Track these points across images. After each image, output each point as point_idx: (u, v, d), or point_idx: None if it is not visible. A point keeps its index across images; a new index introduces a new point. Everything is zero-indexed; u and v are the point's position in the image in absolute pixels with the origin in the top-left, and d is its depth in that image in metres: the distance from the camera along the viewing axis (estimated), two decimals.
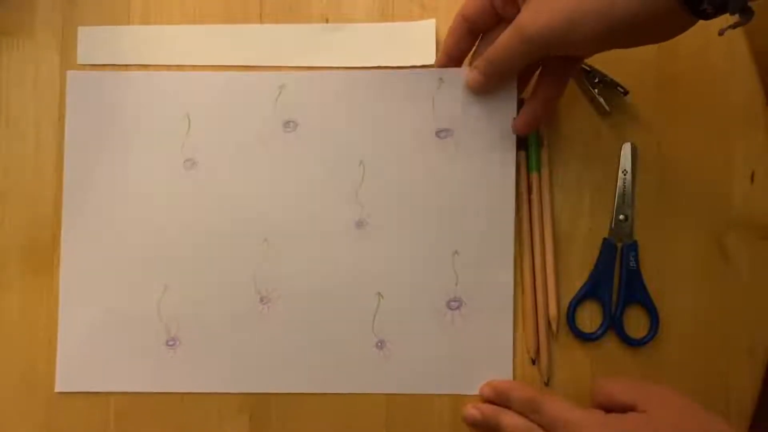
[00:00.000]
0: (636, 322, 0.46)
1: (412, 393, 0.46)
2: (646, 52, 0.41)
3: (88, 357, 0.46)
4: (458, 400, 0.46)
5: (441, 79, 0.46)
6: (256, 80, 0.47)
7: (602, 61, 0.46)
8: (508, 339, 0.46)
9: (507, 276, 0.46)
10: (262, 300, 0.46)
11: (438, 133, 0.46)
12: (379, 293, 0.46)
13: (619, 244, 0.46)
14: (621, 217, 0.47)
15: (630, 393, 0.41)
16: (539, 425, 0.42)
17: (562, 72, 0.43)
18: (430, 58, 0.47)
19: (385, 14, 0.48)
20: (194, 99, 0.47)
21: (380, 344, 0.46)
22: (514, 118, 0.45)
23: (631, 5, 0.35)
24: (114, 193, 0.47)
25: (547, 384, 0.46)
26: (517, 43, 0.40)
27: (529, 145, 0.47)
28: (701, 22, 0.36)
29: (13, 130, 0.48)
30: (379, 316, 0.46)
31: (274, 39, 0.48)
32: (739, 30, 0.35)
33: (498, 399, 0.44)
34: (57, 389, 0.46)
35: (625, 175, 0.47)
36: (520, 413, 0.43)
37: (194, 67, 0.48)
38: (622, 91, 0.46)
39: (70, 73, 0.48)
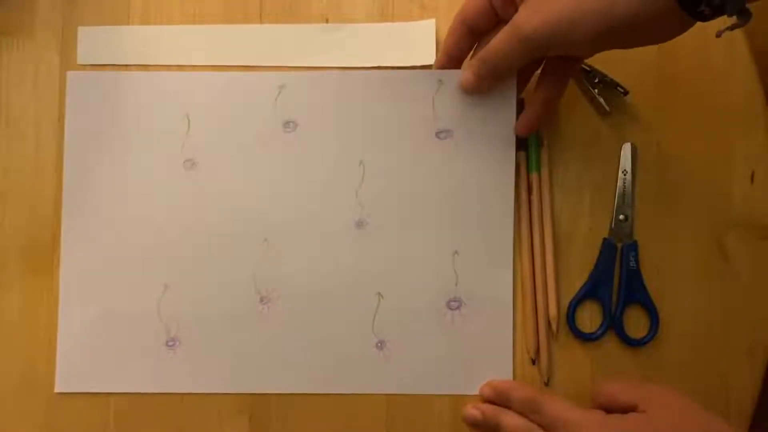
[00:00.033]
0: (636, 322, 0.46)
1: (412, 393, 0.46)
2: (646, 52, 0.41)
3: (87, 357, 0.46)
4: (458, 400, 0.46)
5: (440, 80, 0.46)
6: (256, 80, 0.47)
7: (602, 61, 0.46)
8: (508, 339, 0.46)
9: (507, 276, 0.46)
10: (262, 300, 0.46)
11: (438, 134, 0.46)
12: (379, 293, 0.46)
13: (619, 244, 0.46)
14: (621, 217, 0.47)
15: (630, 393, 0.41)
16: (539, 425, 0.42)
17: (562, 72, 0.43)
18: (430, 58, 0.47)
19: (385, 14, 0.48)
20: (194, 99, 0.47)
21: (380, 344, 0.46)
22: (516, 120, 0.45)
23: (631, 6, 0.35)
24: (114, 193, 0.47)
25: (547, 384, 0.46)
26: (513, 43, 0.40)
27: (529, 145, 0.47)
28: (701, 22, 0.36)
29: (13, 130, 0.48)
30: (379, 316, 0.46)
31: (274, 39, 0.48)
32: (739, 30, 0.35)
33: (498, 399, 0.44)
34: (57, 389, 0.46)
35: (625, 175, 0.47)
36: (521, 413, 0.43)
37: (194, 67, 0.48)
38: (622, 91, 0.46)
39: (70, 74, 0.48)
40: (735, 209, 0.47)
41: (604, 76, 0.47)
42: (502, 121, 0.46)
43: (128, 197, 0.47)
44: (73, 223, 0.47)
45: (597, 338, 0.46)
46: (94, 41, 0.48)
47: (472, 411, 0.45)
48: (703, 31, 0.37)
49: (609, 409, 0.41)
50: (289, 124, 0.47)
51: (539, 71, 0.44)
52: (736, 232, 0.47)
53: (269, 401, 0.46)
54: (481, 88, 0.45)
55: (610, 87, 0.47)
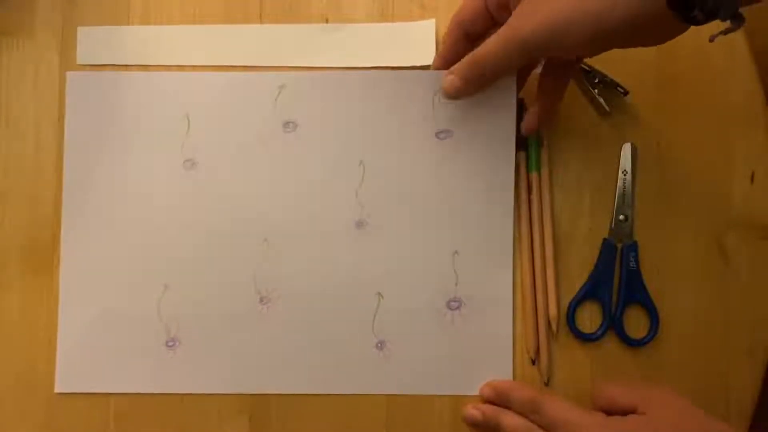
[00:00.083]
0: (636, 323, 0.46)
1: (412, 393, 0.46)
2: (646, 52, 0.41)
3: (87, 357, 0.46)
4: (458, 400, 0.46)
5: (440, 81, 0.46)
6: (255, 80, 0.47)
7: (602, 61, 0.46)
8: (508, 339, 0.46)
9: (507, 276, 0.46)
10: (262, 300, 0.46)
11: (438, 134, 0.46)
12: (379, 293, 0.46)
13: (619, 245, 0.46)
14: (621, 217, 0.47)
15: (630, 395, 0.41)
16: (539, 426, 0.42)
17: (562, 73, 0.43)
18: (430, 58, 0.47)
19: (385, 14, 0.48)
20: (194, 99, 0.47)
21: (380, 345, 0.46)
22: (516, 120, 0.45)
23: (631, 7, 0.35)
24: (114, 193, 0.47)
25: (547, 384, 0.46)
26: (506, 47, 0.39)
27: (529, 145, 0.47)
28: None
29: (13, 130, 0.48)
30: (379, 316, 0.46)
31: (274, 39, 0.48)
32: (739, 30, 0.35)
33: (498, 399, 0.44)
34: (57, 390, 0.46)
35: (625, 175, 0.47)
36: (521, 414, 0.43)
37: (194, 67, 0.48)
38: (622, 91, 0.46)
39: (69, 74, 0.48)
40: (735, 209, 0.47)
41: (604, 76, 0.47)
42: (502, 121, 0.46)
43: (128, 197, 0.47)
44: (73, 223, 0.47)
45: (597, 338, 0.46)
46: (93, 41, 0.48)
47: (472, 411, 0.45)
48: (703, 31, 0.37)
49: (609, 411, 0.41)
50: (289, 124, 0.47)
51: (539, 71, 0.44)
52: (736, 232, 0.47)
53: (269, 401, 0.46)
54: (467, 93, 0.44)
55: (610, 87, 0.47)
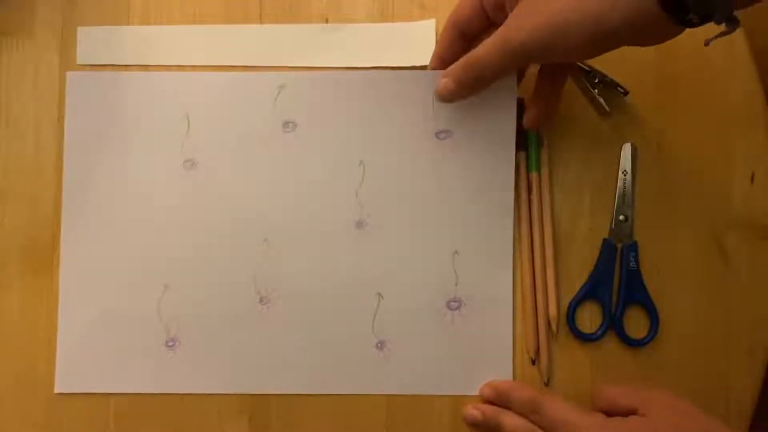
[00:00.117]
0: (636, 323, 0.46)
1: (413, 394, 0.46)
2: (646, 52, 0.41)
3: (87, 357, 0.46)
4: (458, 400, 0.46)
5: None
6: (255, 80, 0.47)
7: (602, 61, 0.46)
8: (508, 339, 0.46)
9: (507, 276, 0.46)
10: (261, 300, 0.46)
11: (438, 134, 0.46)
12: (379, 293, 0.46)
13: (619, 245, 0.46)
14: (621, 217, 0.47)
15: (631, 397, 0.41)
16: (540, 426, 0.42)
17: (560, 72, 0.43)
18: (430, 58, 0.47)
19: (385, 14, 0.48)
20: (194, 99, 0.47)
21: (380, 345, 0.46)
22: (516, 120, 0.45)
23: (631, 8, 0.35)
24: (114, 193, 0.47)
25: (546, 384, 0.46)
26: (501, 53, 0.39)
27: (529, 145, 0.47)
28: None
29: (13, 130, 0.48)
30: (379, 316, 0.46)
31: (273, 39, 0.48)
32: (739, 30, 0.35)
33: (498, 399, 0.44)
34: (56, 390, 0.46)
35: (625, 175, 0.47)
36: (521, 414, 0.43)
37: (194, 67, 0.48)
38: (622, 91, 0.46)
39: (69, 74, 0.48)
40: (735, 209, 0.47)
41: (604, 76, 0.47)
42: (502, 121, 0.46)
43: (128, 197, 0.47)
44: (73, 223, 0.47)
45: (597, 338, 0.46)
46: (93, 41, 0.48)
47: (473, 411, 0.45)
48: (702, 30, 0.37)
49: (609, 412, 0.41)
50: (288, 124, 0.47)
51: (538, 72, 0.44)
52: (736, 232, 0.47)
53: (269, 401, 0.46)
54: (461, 96, 0.44)
55: (610, 87, 0.47)
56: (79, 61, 0.48)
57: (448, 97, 0.44)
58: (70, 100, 0.47)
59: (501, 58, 0.39)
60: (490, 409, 0.44)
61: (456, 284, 0.46)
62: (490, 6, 0.41)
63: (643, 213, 0.47)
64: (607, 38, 0.36)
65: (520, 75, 0.46)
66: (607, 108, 0.47)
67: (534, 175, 0.46)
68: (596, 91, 0.47)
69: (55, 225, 0.47)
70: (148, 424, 0.46)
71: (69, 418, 0.46)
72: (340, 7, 0.48)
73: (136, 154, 0.47)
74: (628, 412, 0.40)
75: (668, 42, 0.38)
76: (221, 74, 0.47)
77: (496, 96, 0.45)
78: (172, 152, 0.47)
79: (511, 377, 0.46)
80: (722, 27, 0.35)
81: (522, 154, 0.47)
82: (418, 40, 0.47)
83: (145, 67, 0.48)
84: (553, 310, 0.46)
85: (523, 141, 0.46)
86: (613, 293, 0.46)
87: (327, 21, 0.48)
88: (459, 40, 0.44)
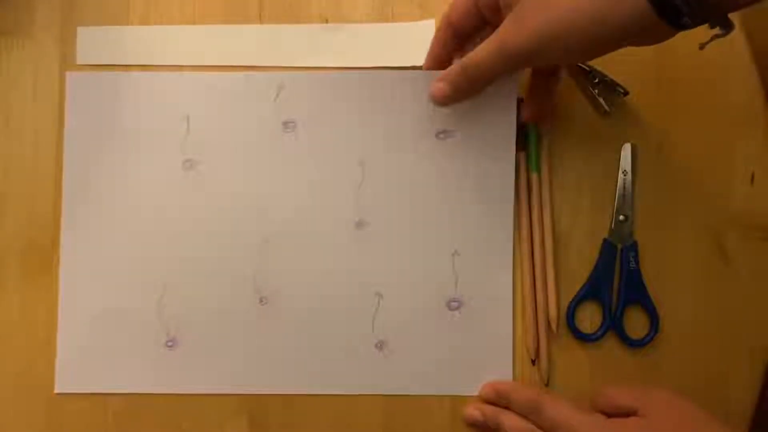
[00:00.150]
0: (636, 323, 0.46)
1: (412, 394, 0.46)
2: (646, 52, 0.41)
3: (87, 358, 0.46)
4: (458, 400, 0.46)
5: None
6: (255, 80, 0.47)
7: (602, 61, 0.46)
8: (508, 339, 0.46)
9: (507, 276, 0.46)
10: (261, 300, 0.46)
11: (438, 134, 0.46)
12: (378, 293, 0.46)
13: (619, 245, 0.46)
14: (621, 217, 0.47)
15: (631, 398, 0.41)
16: (540, 426, 0.42)
17: (554, 71, 0.43)
18: None
19: (384, 15, 0.48)
20: (194, 99, 0.47)
21: (380, 345, 0.46)
22: (517, 120, 0.45)
23: (610, 20, 0.34)
24: (114, 193, 0.47)
25: (546, 384, 0.46)
26: (499, 56, 0.39)
27: (529, 145, 0.47)
28: None
29: (13, 130, 0.48)
30: (379, 316, 0.46)
31: (273, 39, 0.48)
32: (739, 30, 0.35)
33: (498, 400, 0.44)
34: (56, 390, 0.46)
35: (625, 175, 0.47)
36: (521, 414, 0.43)
37: (194, 68, 0.48)
38: (622, 91, 0.46)
39: (69, 74, 0.48)
40: (735, 209, 0.47)
41: (604, 76, 0.47)
42: (502, 121, 0.46)
43: (128, 197, 0.47)
44: (73, 223, 0.47)
45: (597, 339, 0.46)
46: (93, 41, 0.48)
47: (473, 411, 0.45)
48: (702, 30, 0.37)
49: (609, 413, 0.41)
50: (288, 125, 0.47)
51: (531, 71, 0.44)
52: (736, 232, 0.47)
53: (269, 401, 0.46)
54: (456, 100, 0.44)
55: (610, 87, 0.47)
56: (79, 61, 0.48)
57: (443, 101, 0.44)
58: (69, 100, 0.47)
59: (498, 62, 0.39)
60: (490, 410, 0.44)
61: (456, 284, 0.46)
62: (484, 5, 0.41)
63: (643, 213, 0.47)
64: (603, 42, 0.36)
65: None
66: (607, 108, 0.47)
67: (534, 175, 0.46)
68: (596, 91, 0.47)
69: (55, 225, 0.47)
70: (147, 425, 0.46)
71: (69, 419, 0.46)
72: (340, 7, 0.48)
73: (136, 154, 0.47)
74: (628, 413, 0.40)
75: (668, 42, 0.38)
76: (221, 74, 0.47)
77: (496, 96, 0.45)
78: (172, 152, 0.47)
79: (511, 377, 0.46)
80: (716, 30, 0.35)
81: (522, 154, 0.47)
82: (417, 40, 0.47)
83: (144, 68, 0.48)
84: (553, 311, 0.46)
85: (523, 141, 0.46)
86: (613, 293, 0.46)
87: (327, 21, 0.48)
88: (453, 39, 0.44)
